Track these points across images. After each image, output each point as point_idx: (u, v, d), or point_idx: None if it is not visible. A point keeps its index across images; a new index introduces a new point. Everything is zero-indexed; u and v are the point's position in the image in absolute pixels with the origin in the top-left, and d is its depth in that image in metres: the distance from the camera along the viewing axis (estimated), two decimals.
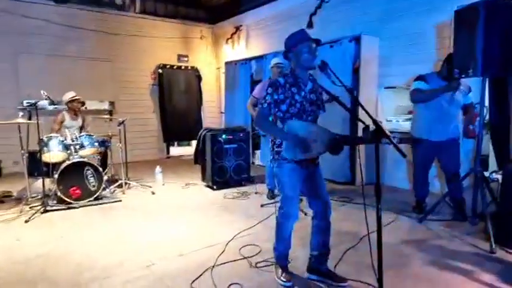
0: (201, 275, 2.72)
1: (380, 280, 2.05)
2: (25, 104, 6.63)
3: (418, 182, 4.22)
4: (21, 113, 4.74)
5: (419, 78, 3.95)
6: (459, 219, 3.90)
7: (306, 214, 3.75)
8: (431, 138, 3.91)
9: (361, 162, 2.47)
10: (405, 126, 5.48)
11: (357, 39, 5.44)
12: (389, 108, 5.89)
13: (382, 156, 5.56)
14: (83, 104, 6.94)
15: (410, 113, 5.89)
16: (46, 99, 4.62)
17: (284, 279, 2.58)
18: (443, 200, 3.90)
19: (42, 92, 4.60)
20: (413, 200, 4.32)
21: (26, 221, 4.01)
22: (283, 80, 2.46)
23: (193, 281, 2.64)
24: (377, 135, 1.99)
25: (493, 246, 3.12)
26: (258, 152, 7.57)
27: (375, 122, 2.02)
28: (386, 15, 5.60)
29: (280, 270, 2.65)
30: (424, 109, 3.93)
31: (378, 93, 5.80)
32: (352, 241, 3.30)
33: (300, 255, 2.98)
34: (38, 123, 4.44)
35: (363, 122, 2.14)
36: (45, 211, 4.33)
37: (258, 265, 2.88)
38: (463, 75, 3.34)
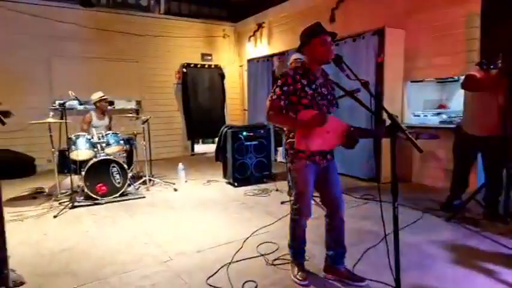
0: (216, 272, 2.72)
1: (397, 280, 1.98)
2: (57, 105, 6.92)
3: (455, 177, 3.99)
4: (51, 113, 4.94)
5: (479, 63, 3.55)
6: (490, 219, 3.69)
7: None
8: (477, 133, 3.63)
9: (381, 157, 2.40)
10: (434, 120, 5.29)
11: (381, 32, 5.28)
12: (417, 103, 5.70)
13: (410, 152, 5.38)
14: (112, 103, 7.19)
15: (440, 107, 5.69)
16: (74, 99, 4.79)
17: (300, 278, 2.54)
18: (473, 197, 3.72)
19: (70, 92, 4.78)
20: (443, 197, 4.11)
21: (55, 216, 4.18)
22: (293, 72, 2.42)
23: (209, 277, 2.64)
24: (392, 130, 1.91)
25: None
26: (280, 149, 7.52)
27: (390, 116, 1.94)
28: (412, 7, 5.40)
29: (296, 269, 2.61)
30: (471, 99, 3.64)
31: (404, 87, 5.60)
32: (373, 240, 3.19)
33: (317, 253, 2.92)
34: (66, 122, 4.62)
35: (381, 119, 2.06)
36: (73, 207, 4.50)
37: (275, 263, 2.86)
38: (491, 66, 3.16)
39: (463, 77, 3.71)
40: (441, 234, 3.45)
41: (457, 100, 5.23)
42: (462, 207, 3.77)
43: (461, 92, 4.14)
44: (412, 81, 5.57)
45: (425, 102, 5.82)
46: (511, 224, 3.45)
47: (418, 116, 5.54)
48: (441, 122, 5.20)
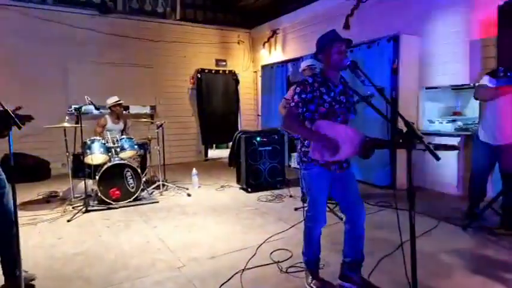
0: (230, 279, 2.70)
1: None
2: (72, 109, 7.04)
3: (474, 186, 3.93)
4: (67, 117, 5.01)
5: (490, 73, 3.58)
6: (507, 228, 3.60)
7: (341, 219, 3.64)
8: (492, 142, 3.61)
9: (396, 165, 2.37)
10: (449, 128, 5.20)
11: (396, 39, 5.25)
12: (432, 110, 5.62)
13: (425, 160, 5.29)
14: (126, 108, 7.26)
15: (455, 114, 5.60)
16: (89, 104, 4.85)
17: (314, 286, 2.51)
18: (490, 206, 3.64)
19: (86, 97, 4.84)
20: (458, 205, 4.03)
21: (69, 220, 4.22)
22: (312, 80, 2.41)
23: (222, 284, 2.63)
24: (408, 137, 1.87)
25: None
26: (294, 155, 7.49)
27: (407, 123, 1.91)
28: (428, 13, 5.35)
29: (310, 277, 2.58)
30: (488, 109, 3.62)
31: (419, 94, 5.52)
32: (389, 249, 3.14)
33: (332, 261, 2.89)
34: (81, 126, 4.67)
35: (396, 128, 2.04)
36: (87, 211, 4.53)
37: (289, 270, 2.83)
38: (508, 74, 3.10)
39: (476, 85, 3.68)
40: (457, 243, 3.38)
41: (472, 107, 5.16)
42: (479, 216, 3.70)
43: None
44: (427, 88, 5.50)
45: (441, 109, 5.73)
46: None
47: (434, 122, 5.46)
48: (456, 129, 5.11)
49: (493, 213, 3.80)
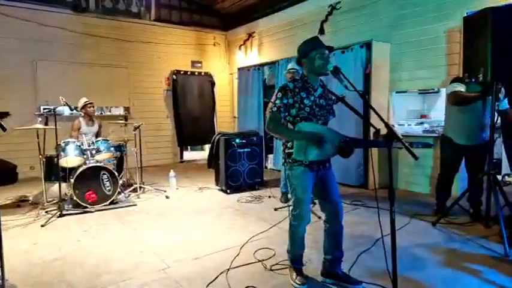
0: (216, 278, 2.75)
1: (395, 283, 2.06)
2: (42, 110, 6.79)
3: (442, 184, 4.19)
4: (39, 119, 4.84)
5: (458, 80, 3.84)
6: (473, 222, 3.90)
7: (319, 217, 3.78)
8: (463, 142, 3.89)
9: (373, 165, 2.52)
10: (417, 130, 5.50)
11: (368, 45, 5.48)
12: (401, 113, 5.91)
13: (396, 159, 5.55)
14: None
15: (422, 117, 5.92)
16: (64, 105, 4.72)
17: (299, 282, 2.60)
18: (457, 203, 3.89)
19: (60, 98, 4.70)
20: (428, 203, 4.27)
21: (43, 225, 4.09)
22: (293, 85, 2.52)
23: (209, 283, 2.67)
24: (388, 139, 2.01)
25: (507, 249, 3.10)
26: (270, 156, 7.61)
27: (387, 125, 2.04)
28: (397, 22, 5.64)
29: (294, 273, 2.67)
30: (459, 112, 3.87)
31: (390, 97, 5.80)
32: (366, 244, 3.31)
33: (314, 258, 3.00)
34: (56, 128, 4.52)
35: (373, 126, 2.17)
36: (61, 215, 4.40)
37: (273, 268, 2.90)
38: (473, 80, 3.35)
39: (445, 91, 3.96)
40: (428, 237, 3.60)
41: (437, 110, 5.49)
42: (447, 212, 3.97)
43: (442, 102, 4.36)
44: (396, 92, 5.77)
45: (409, 112, 6.04)
46: (492, 227, 3.63)
47: (403, 125, 5.74)
48: (424, 131, 5.41)
49: (459, 210, 4.07)
